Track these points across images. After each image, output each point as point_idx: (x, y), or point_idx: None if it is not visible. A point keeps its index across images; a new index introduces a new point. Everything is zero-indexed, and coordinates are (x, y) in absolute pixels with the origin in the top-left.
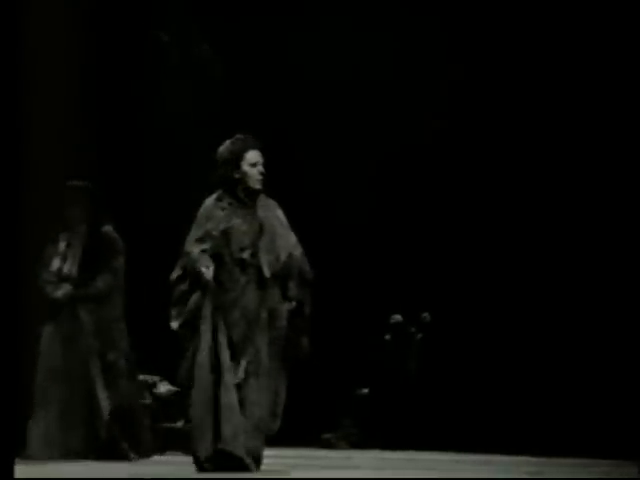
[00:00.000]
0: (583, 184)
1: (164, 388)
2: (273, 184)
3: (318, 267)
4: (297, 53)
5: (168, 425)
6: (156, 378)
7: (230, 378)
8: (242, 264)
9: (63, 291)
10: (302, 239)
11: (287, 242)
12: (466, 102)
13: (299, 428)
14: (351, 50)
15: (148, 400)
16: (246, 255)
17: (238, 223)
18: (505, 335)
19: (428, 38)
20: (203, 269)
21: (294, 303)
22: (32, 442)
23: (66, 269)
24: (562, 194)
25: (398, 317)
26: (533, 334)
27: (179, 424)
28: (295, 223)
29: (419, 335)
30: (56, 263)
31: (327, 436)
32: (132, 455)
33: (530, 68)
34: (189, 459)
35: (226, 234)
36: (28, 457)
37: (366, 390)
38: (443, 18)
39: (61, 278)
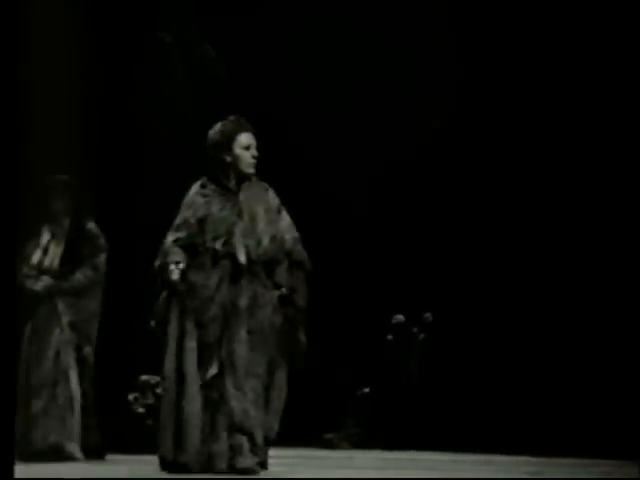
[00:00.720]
0: (587, 184)
1: None
2: (277, 183)
3: (320, 265)
4: (300, 53)
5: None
6: (158, 378)
7: (194, 388)
8: (215, 255)
9: (43, 283)
10: (305, 237)
11: (274, 226)
12: (472, 100)
13: (300, 428)
14: (355, 49)
15: (150, 400)
16: (218, 245)
17: (216, 210)
18: (506, 335)
19: (436, 37)
20: (171, 266)
21: (284, 290)
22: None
23: (47, 262)
24: (567, 194)
25: (400, 317)
26: (534, 334)
27: None
28: (298, 221)
29: (421, 335)
30: (36, 256)
31: (329, 436)
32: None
33: (536, 66)
34: None
35: (201, 222)
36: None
37: (368, 390)
38: (451, 17)
39: (41, 271)
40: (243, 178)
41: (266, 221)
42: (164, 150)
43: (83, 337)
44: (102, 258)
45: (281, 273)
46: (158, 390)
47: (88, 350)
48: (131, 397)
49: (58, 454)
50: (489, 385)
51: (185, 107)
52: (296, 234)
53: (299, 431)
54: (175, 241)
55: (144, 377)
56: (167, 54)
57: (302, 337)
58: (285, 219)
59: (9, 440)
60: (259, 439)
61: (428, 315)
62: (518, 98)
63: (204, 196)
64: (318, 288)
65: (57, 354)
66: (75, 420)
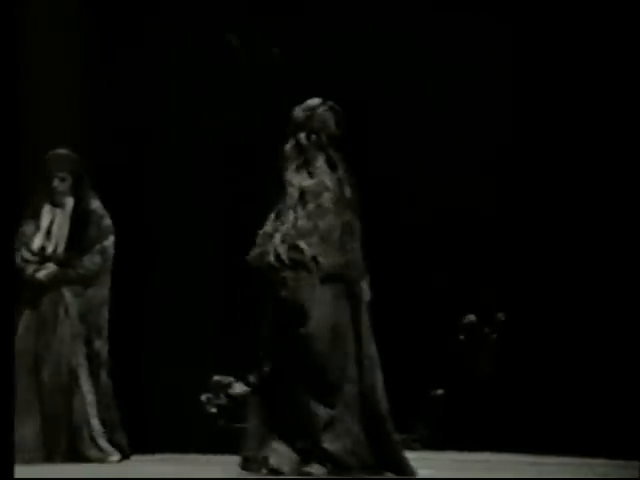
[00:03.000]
0: None
1: (239, 388)
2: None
3: (392, 264)
4: (365, 57)
5: (243, 425)
6: (231, 378)
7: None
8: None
9: (47, 271)
10: (377, 236)
11: None
12: (549, 96)
13: None
14: (422, 57)
15: (223, 401)
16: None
17: None
18: (581, 334)
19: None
20: None
21: None
22: (24, 446)
23: (50, 247)
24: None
25: (472, 317)
26: (610, 333)
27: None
28: (368, 223)
29: (494, 335)
30: (38, 241)
31: (401, 437)
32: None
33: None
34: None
35: None
36: (21, 460)
37: (441, 391)
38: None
39: (44, 258)
40: None
41: None
42: (227, 151)
43: (93, 329)
44: (110, 241)
45: None
46: (230, 391)
47: (99, 344)
48: (204, 397)
49: (82, 461)
50: (564, 386)
51: (252, 110)
52: None
53: None
54: None
55: (216, 377)
56: (235, 57)
57: None
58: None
59: (9, 440)
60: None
61: (501, 315)
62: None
63: None
64: (390, 289)
65: (67, 350)
66: (95, 424)
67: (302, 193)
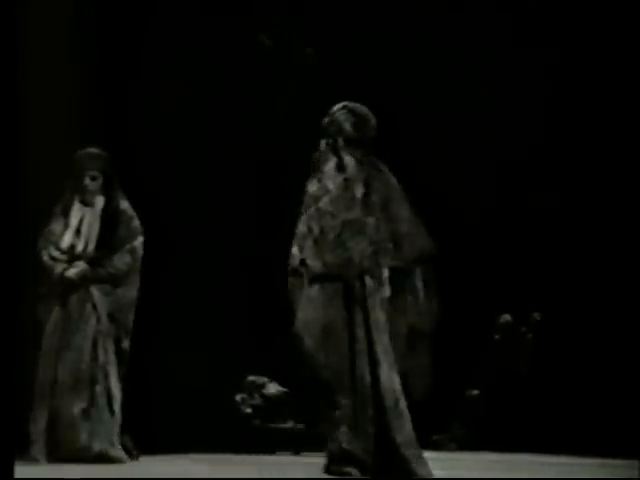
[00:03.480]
0: None
1: (274, 389)
2: None
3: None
4: (404, 57)
5: (278, 425)
6: (265, 379)
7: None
8: None
9: (77, 270)
10: None
11: None
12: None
13: None
14: (461, 48)
15: (258, 401)
16: None
17: None
18: (617, 334)
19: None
20: None
21: None
22: (36, 443)
23: (80, 246)
24: None
25: (507, 317)
26: None
27: (288, 424)
28: None
29: (529, 335)
30: (67, 239)
31: (437, 437)
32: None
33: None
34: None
35: None
36: (32, 460)
37: (476, 392)
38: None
39: (73, 256)
40: None
41: None
42: (263, 151)
43: (122, 329)
44: (139, 242)
45: None
46: (264, 391)
47: (126, 343)
48: (238, 398)
49: (102, 461)
50: (600, 386)
51: (286, 110)
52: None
53: None
54: None
55: (251, 378)
56: (268, 58)
57: None
58: None
59: (9, 440)
60: None
61: (537, 314)
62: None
63: None
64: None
65: (94, 347)
66: (116, 422)
67: (308, 198)
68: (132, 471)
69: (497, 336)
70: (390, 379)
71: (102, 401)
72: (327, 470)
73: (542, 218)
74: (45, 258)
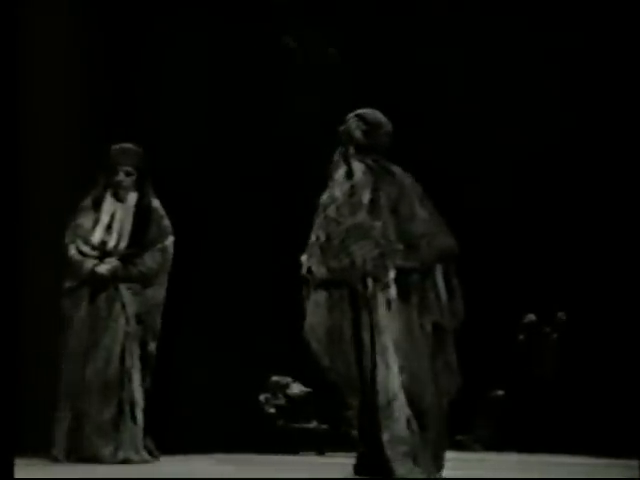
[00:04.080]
0: None
1: (297, 389)
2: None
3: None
4: (426, 56)
5: (301, 426)
6: (289, 379)
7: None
8: None
9: (109, 266)
10: None
11: None
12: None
13: None
14: (480, 49)
15: (281, 401)
16: None
17: None
18: None
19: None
20: None
21: None
22: (58, 443)
23: (112, 242)
24: None
25: (532, 316)
26: None
27: (312, 425)
28: None
29: (554, 335)
30: (98, 235)
31: (461, 438)
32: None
33: None
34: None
35: None
36: (54, 459)
37: (501, 392)
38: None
39: (104, 253)
40: None
41: None
42: (287, 153)
43: (149, 331)
44: (170, 241)
45: None
46: (288, 391)
47: (153, 346)
48: (262, 398)
49: (124, 462)
50: (625, 387)
51: (310, 111)
52: None
53: None
54: None
55: (275, 378)
56: (292, 59)
57: None
58: None
59: (9, 440)
60: None
61: (561, 314)
62: None
63: None
64: None
65: (122, 350)
66: (139, 428)
67: (319, 207)
68: (153, 471)
69: (522, 336)
70: (386, 378)
71: (127, 408)
72: (357, 471)
73: (568, 217)
74: (73, 252)
